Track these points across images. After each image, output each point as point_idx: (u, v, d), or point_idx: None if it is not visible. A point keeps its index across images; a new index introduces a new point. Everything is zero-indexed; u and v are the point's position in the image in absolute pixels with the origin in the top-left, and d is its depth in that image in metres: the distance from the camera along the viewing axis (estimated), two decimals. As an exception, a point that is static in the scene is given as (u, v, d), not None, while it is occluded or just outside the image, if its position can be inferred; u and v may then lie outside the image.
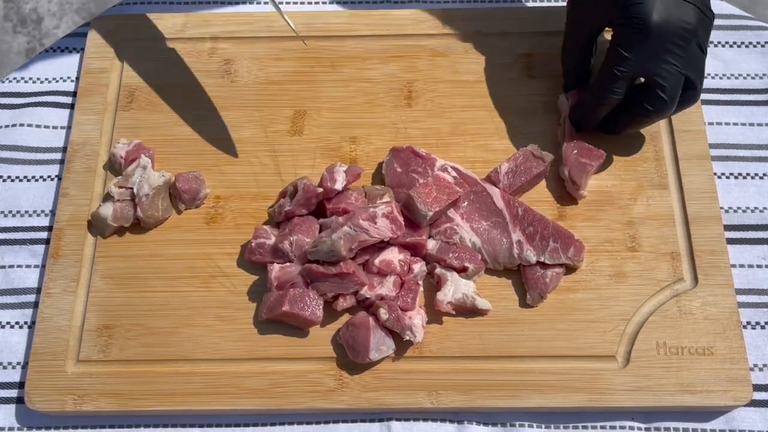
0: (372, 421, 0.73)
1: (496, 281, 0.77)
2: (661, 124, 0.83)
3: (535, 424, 0.73)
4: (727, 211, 0.81)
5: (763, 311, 0.77)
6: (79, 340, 0.75)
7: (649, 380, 0.72)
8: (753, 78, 0.88)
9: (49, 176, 0.84)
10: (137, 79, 0.87)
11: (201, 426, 0.73)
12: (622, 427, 0.72)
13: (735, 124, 0.86)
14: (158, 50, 0.88)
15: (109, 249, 0.79)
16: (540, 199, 0.80)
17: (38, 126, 0.86)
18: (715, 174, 0.82)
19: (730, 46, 0.90)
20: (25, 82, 0.90)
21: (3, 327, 0.77)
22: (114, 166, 0.82)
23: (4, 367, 0.76)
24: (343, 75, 0.87)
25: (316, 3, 0.94)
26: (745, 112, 0.86)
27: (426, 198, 0.75)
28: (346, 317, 0.75)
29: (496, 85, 0.86)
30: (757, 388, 0.74)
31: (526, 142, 0.81)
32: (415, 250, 0.76)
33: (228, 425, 0.73)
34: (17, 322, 0.78)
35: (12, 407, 0.74)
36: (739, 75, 0.89)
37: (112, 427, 0.74)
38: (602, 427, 0.72)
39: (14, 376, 0.75)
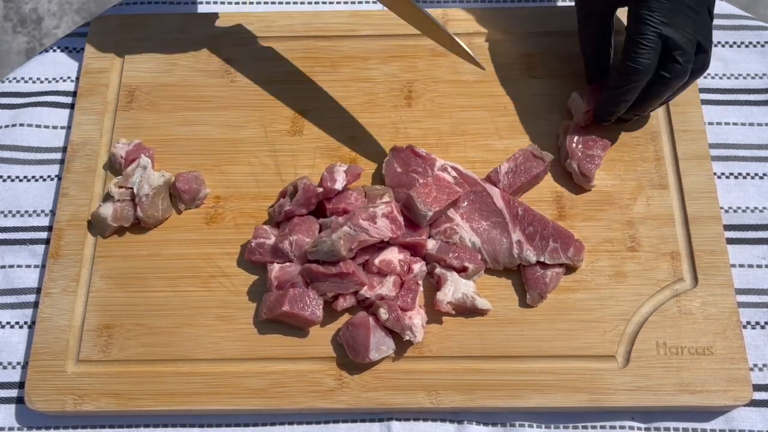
0: (372, 421, 0.73)
1: (496, 281, 0.77)
2: (661, 125, 0.83)
3: (535, 424, 0.73)
4: (727, 211, 0.81)
5: (763, 311, 0.77)
6: (79, 340, 0.75)
7: (649, 380, 0.72)
8: (753, 78, 0.88)
9: (49, 176, 0.84)
10: (137, 79, 0.87)
11: (201, 426, 0.73)
12: (622, 427, 0.72)
13: (735, 124, 0.86)
14: (158, 50, 0.88)
15: (109, 249, 0.79)
16: (540, 199, 0.80)
17: (38, 126, 0.86)
18: (715, 174, 0.82)
19: (730, 46, 0.90)
20: (25, 82, 0.90)
21: (3, 327, 0.77)
22: (114, 166, 0.82)
23: (4, 367, 0.76)
24: (343, 75, 0.87)
25: (317, 3, 0.94)
26: (745, 112, 0.86)
27: (426, 198, 0.75)
28: (346, 317, 0.75)
29: (496, 85, 0.86)
30: (757, 388, 0.74)
31: (526, 142, 0.81)
32: (415, 250, 0.76)
33: (228, 425, 0.73)
34: (17, 322, 0.78)
35: (12, 407, 0.74)
36: (739, 75, 0.89)
37: (112, 427, 0.74)
38: (602, 427, 0.72)
39: (14, 376, 0.75)
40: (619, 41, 0.78)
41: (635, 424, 0.72)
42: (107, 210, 0.77)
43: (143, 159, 0.79)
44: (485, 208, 0.77)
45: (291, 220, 0.76)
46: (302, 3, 0.94)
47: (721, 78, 0.88)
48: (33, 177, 0.84)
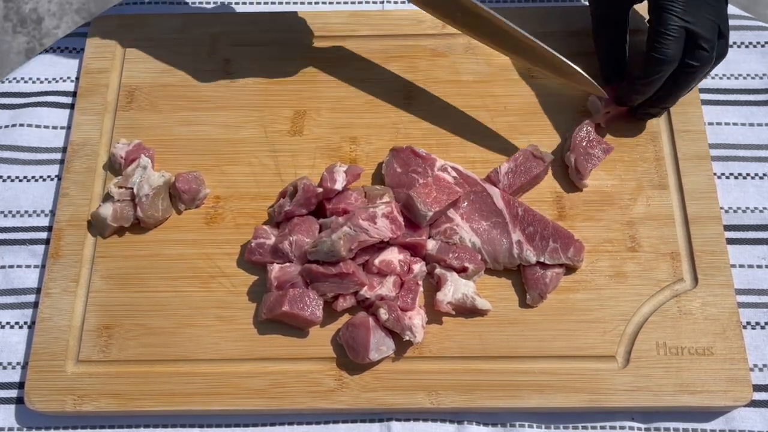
0: (372, 421, 0.73)
1: (496, 281, 0.77)
2: (662, 124, 0.83)
3: (535, 424, 0.73)
4: (727, 212, 0.81)
5: (763, 311, 0.77)
6: (78, 341, 0.75)
7: (649, 380, 0.72)
8: (753, 78, 0.88)
9: (48, 176, 0.84)
10: (137, 79, 0.87)
11: (201, 426, 0.73)
12: (622, 427, 0.72)
13: (735, 124, 0.86)
14: (158, 50, 0.88)
15: (109, 249, 0.79)
16: (540, 199, 0.80)
17: (38, 126, 0.86)
18: (715, 174, 0.82)
19: (730, 46, 0.90)
20: (25, 82, 0.90)
21: (3, 327, 0.77)
22: (114, 166, 0.82)
23: (4, 367, 0.76)
24: (343, 75, 0.87)
25: (317, 3, 0.94)
26: (745, 112, 0.86)
27: (426, 198, 0.75)
28: (346, 317, 0.75)
29: (496, 85, 0.86)
30: (757, 388, 0.74)
31: (526, 142, 0.81)
32: (415, 250, 0.76)
33: (228, 425, 0.73)
34: (17, 322, 0.78)
35: (12, 407, 0.74)
36: (739, 75, 0.89)
37: (112, 427, 0.74)
38: (602, 427, 0.72)
39: (14, 376, 0.75)
40: (632, 39, 0.79)
41: (635, 425, 0.72)
42: (107, 210, 0.77)
43: (143, 159, 0.79)
44: (485, 209, 0.77)
45: (291, 220, 0.76)
46: (302, 3, 0.94)
47: (721, 78, 0.88)
48: (33, 177, 0.84)
